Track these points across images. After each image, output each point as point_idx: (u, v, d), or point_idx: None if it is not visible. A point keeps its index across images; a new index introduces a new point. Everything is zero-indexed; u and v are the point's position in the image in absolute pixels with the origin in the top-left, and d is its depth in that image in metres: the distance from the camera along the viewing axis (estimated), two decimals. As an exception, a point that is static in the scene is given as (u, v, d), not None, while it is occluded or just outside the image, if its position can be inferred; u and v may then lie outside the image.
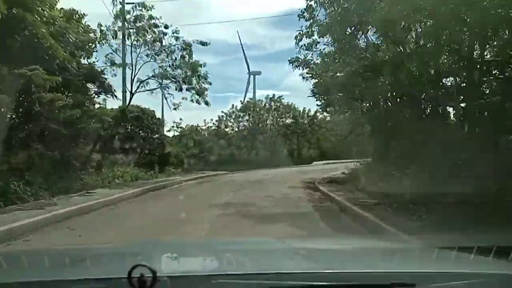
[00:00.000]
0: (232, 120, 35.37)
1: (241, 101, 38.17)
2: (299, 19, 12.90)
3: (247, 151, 33.52)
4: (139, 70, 16.99)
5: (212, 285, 1.21)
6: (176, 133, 29.33)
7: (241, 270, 1.45)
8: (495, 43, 7.81)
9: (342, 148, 29.23)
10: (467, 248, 1.79)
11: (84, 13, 13.20)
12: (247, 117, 34.96)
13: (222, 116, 35.15)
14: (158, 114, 22.33)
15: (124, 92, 17.51)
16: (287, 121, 36.12)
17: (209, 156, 28.90)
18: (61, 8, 12.08)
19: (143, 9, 16.14)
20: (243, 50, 47.67)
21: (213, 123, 34.66)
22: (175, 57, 17.35)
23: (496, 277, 1.39)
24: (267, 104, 35.80)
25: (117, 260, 1.80)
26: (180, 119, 29.02)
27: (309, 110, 36.10)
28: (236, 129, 35.19)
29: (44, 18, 10.37)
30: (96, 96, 14.53)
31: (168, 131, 26.92)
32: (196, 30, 78.29)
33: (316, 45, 13.79)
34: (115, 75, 17.16)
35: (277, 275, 1.33)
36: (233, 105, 36.41)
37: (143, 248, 2.22)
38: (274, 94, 36.45)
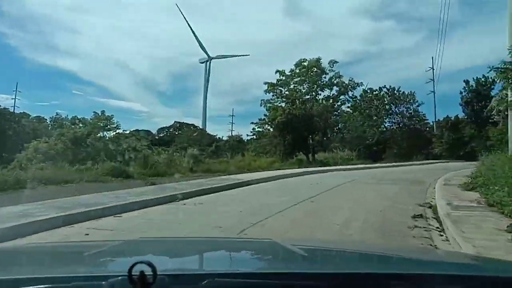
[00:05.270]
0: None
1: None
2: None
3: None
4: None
5: (213, 283, 1.20)
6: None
7: (242, 269, 1.45)
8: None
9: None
10: None
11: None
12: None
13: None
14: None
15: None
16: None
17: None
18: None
19: None
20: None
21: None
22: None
23: (495, 279, 1.39)
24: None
25: (116, 257, 1.79)
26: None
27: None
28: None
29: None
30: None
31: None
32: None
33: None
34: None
35: (276, 275, 1.33)
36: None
37: (142, 245, 2.21)
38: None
